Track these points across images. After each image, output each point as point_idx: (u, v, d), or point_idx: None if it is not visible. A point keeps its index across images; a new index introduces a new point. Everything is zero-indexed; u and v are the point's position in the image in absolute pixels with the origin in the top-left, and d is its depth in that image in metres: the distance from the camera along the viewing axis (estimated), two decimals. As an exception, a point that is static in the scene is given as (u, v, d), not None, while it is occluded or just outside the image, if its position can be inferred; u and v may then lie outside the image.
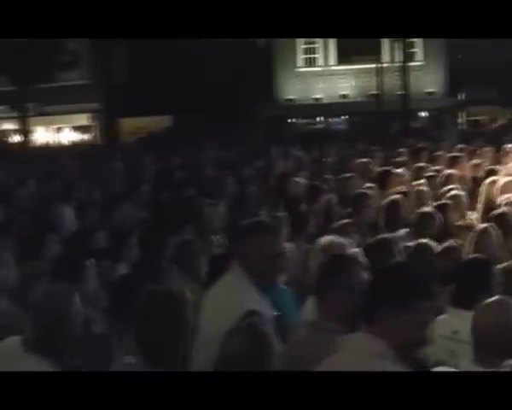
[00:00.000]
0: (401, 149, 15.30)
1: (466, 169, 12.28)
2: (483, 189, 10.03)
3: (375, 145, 18.17)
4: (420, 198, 9.70)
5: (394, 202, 8.77)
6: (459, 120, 35.67)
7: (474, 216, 9.40)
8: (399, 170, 11.56)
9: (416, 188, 10.19)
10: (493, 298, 4.25)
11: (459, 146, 14.98)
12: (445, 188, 9.99)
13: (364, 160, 13.60)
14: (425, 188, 10.14)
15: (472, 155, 13.77)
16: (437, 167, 12.00)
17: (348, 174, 11.54)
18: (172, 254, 7.02)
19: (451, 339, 4.88)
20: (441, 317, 5.14)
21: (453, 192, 9.44)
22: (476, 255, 5.67)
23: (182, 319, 4.05)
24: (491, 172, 11.16)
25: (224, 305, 4.51)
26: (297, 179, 12.02)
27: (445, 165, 12.34)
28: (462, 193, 9.48)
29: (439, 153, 13.77)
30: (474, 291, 4.93)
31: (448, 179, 10.74)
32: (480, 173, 11.95)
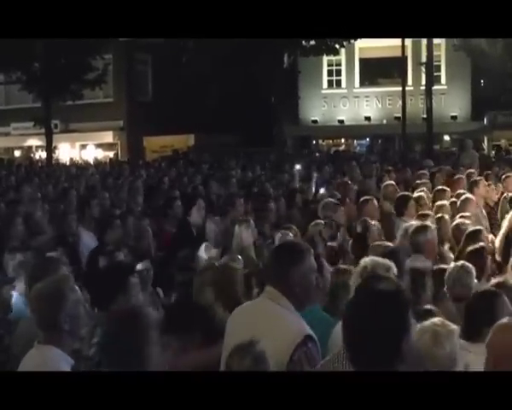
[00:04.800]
0: (422, 172, 15.33)
1: (486, 193, 12.32)
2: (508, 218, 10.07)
3: (398, 168, 18.19)
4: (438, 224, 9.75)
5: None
6: (483, 145, 35.55)
7: (490, 238, 9.48)
8: (419, 194, 11.59)
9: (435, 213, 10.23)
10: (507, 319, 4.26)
11: (478, 170, 15.01)
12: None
13: (387, 183, 13.62)
14: (444, 214, 10.17)
15: (490, 177, 13.82)
16: (457, 192, 12.03)
17: (365, 197, 11.54)
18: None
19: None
20: None
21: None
22: (485, 288, 5.65)
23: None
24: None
25: (275, 331, 4.50)
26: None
27: (464, 189, 12.38)
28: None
29: (459, 176, 13.80)
30: (482, 324, 4.92)
31: (466, 204, 10.78)
32: (498, 198, 12.03)
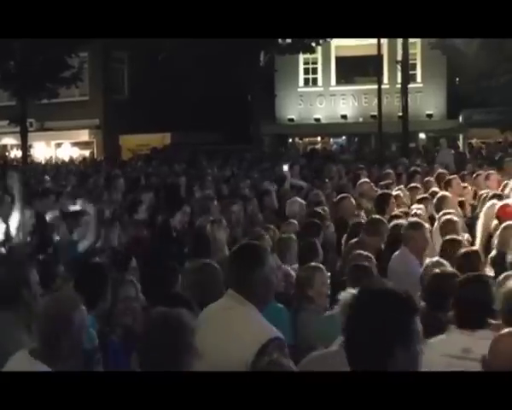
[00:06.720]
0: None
1: (459, 192, 12.38)
2: (483, 212, 10.11)
3: (373, 166, 18.26)
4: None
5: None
6: (458, 143, 35.72)
7: (466, 237, 9.50)
8: (397, 193, 11.65)
9: (414, 211, 10.28)
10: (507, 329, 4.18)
11: (454, 169, 15.10)
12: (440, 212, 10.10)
13: (362, 180, 13.69)
14: (421, 211, 10.22)
15: (467, 178, 13.89)
16: (432, 190, 12.10)
17: (342, 195, 11.60)
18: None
19: (461, 358, 4.83)
20: (443, 336, 5.14)
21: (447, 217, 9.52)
22: (476, 274, 5.65)
23: (180, 342, 4.05)
24: (493, 196, 11.17)
25: (242, 334, 4.50)
26: (295, 200, 12.11)
27: (439, 187, 12.45)
28: (455, 218, 9.54)
29: (434, 176, 13.87)
30: (481, 311, 5.01)
31: (441, 202, 10.83)
32: (471, 197, 12.08)
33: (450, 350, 4.90)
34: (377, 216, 9.60)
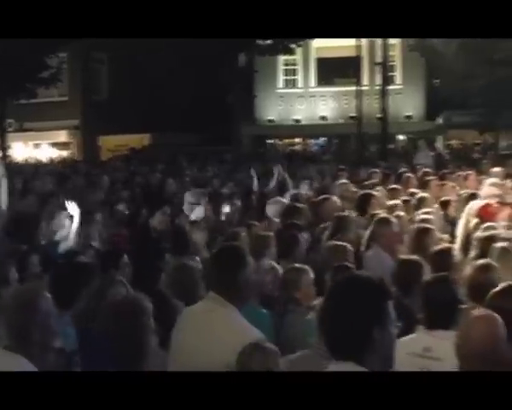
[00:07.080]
0: (374, 170, 15.46)
1: (439, 192, 12.42)
2: (463, 213, 10.14)
3: (353, 167, 18.29)
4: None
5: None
6: (436, 144, 35.87)
7: (445, 238, 9.53)
8: (378, 193, 11.65)
9: (395, 213, 10.28)
10: (479, 312, 4.35)
11: (432, 170, 15.13)
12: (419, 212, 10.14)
13: (342, 181, 13.69)
14: (401, 212, 10.23)
15: (446, 178, 13.93)
16: (411, 191, 12.14)
17: (324, 196, 11.59)
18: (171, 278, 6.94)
19: (422, 356, 4.92)
20: (413, 335, 5.19)
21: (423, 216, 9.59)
22: (442, 275, 5.69)
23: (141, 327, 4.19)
24: (472, 197, 11.21)
25: (224, 337, 4.52)
26: (277, 199, 12.10)
27: (419, 188, 12.49)
28: (430, 216, 9.60)
29: (414, 176, 13.91)
30: (445, 311, 5.04)
31: (421, 203, 10.87)
32: (453, 197, 12.10)
33: (414, 349, 4.98)
34: (345, 213, 9.69)
